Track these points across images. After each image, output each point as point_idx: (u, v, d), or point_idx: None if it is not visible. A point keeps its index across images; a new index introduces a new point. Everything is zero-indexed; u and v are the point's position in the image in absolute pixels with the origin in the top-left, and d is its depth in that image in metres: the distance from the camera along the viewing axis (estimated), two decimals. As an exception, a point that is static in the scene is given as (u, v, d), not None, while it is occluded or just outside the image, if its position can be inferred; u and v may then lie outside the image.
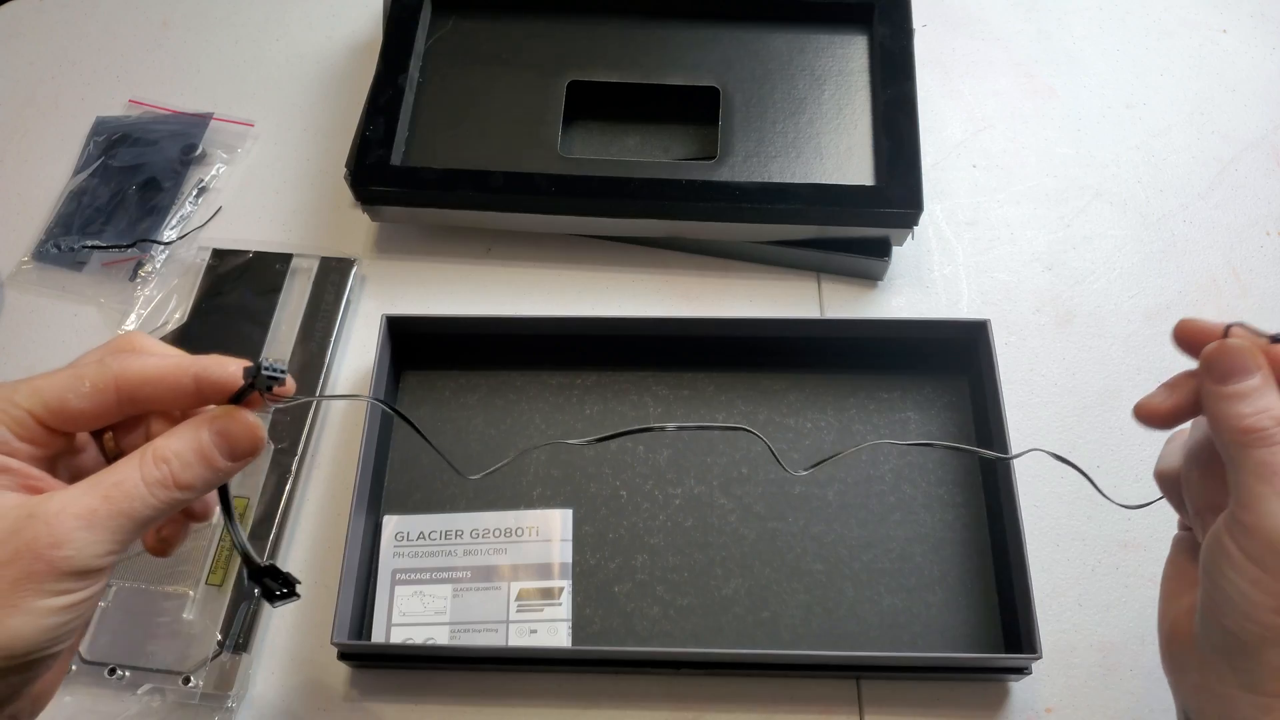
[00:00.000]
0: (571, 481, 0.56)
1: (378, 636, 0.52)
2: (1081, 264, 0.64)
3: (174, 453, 0.33)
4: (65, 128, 0.71)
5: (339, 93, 0.72)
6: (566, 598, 0.52)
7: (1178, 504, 0.39)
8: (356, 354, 0.61)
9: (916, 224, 0.59)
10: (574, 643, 0.51)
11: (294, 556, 0.55)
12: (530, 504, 0.55)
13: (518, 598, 0.52)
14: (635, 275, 0.64)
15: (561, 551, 0.53)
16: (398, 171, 0.60)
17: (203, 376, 0.34)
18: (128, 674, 0.50)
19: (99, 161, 0.68)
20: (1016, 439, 0.54)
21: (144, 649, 0.51)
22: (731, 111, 0.63)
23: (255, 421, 0.34)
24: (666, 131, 0.66)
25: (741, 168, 0.61)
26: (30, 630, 0.30)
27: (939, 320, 0.60)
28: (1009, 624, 0.51)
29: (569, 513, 0.55)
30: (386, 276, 0.64)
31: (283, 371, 0.33)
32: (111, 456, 0.37)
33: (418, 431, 0.39)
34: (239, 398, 0.34)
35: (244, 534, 0.37)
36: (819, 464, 0.45)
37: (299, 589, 0.39)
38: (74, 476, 0.34)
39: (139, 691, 0.50)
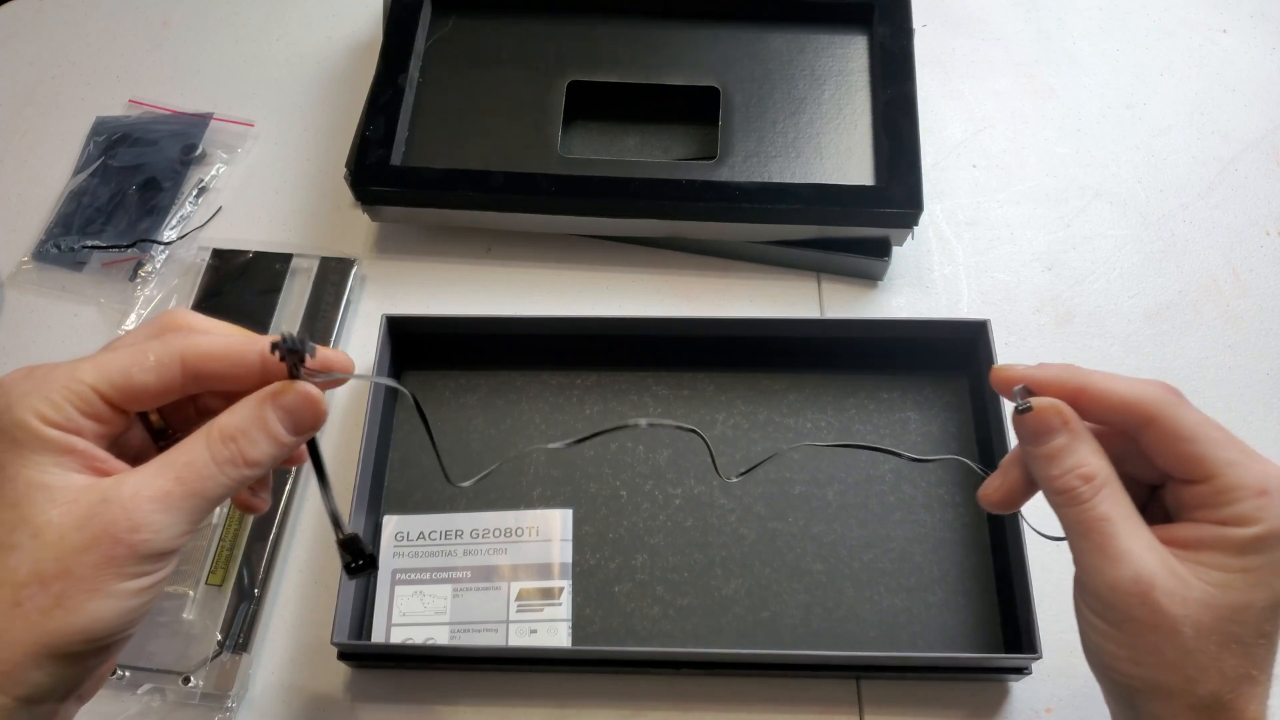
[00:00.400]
0: (571, 481, 0.56)
1: (378, 636, 0.52)
2: (1081, 264, 0.64)
3: (240, 430, 0.33)
4: (65, 128, 0.71)
5: (339, 93, 0.72)
6: (566, 598, 0.52)
7: None
8: (357, 354, 0.61)
9: (916, 224, 0.59)
10: (574, 643, 0.51)
11: (294, 556, 0.55)
12: (530, 504, 0.55)
13: (518, 598, 0.52)
14: (635, 275, 0.64)
15: (561, 551, 0.53)
16: (398, 171, 0.60)
17: (269, 355, 0.34)
18: (128, 674, 0.50)
19: (99, 161, 0.68)
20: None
21: (144, 649, 0.51)
22: (731, 111, 0.63)
23: (318, 395, 0.34)
24: (666, 131, 0.66)
25: (741, 168, 0.61)
26: (111, 613, 0.31)
27: (939, 320, 0.60)
28: (1009, 624, 0.51)
29: (569, 513, 0.55)
30: (386, 276, 0.64)
31: (301, 343, 0.33)
32: (157, 432, 0.37)
33: (428, 432, 0.39)
34: (293, 373, 0.34)
35: (335, 500, 0.37)
36: (750, 470, 0.46)
37: (378, 560, 0.39)
38: (122, 454, 0.34)
39: (139, 691, 0.50)
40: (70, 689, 0.32)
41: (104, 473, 0.32)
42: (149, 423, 0.37)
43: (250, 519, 0.54)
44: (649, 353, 0.58)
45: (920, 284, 0.63)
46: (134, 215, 0.66)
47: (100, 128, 0.70)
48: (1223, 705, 0.32)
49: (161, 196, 0.67)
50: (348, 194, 0.63)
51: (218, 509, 0.54)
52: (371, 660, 0.51)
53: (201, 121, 0.70)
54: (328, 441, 0.58)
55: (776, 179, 0.60)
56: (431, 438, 0.40)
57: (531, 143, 0.62)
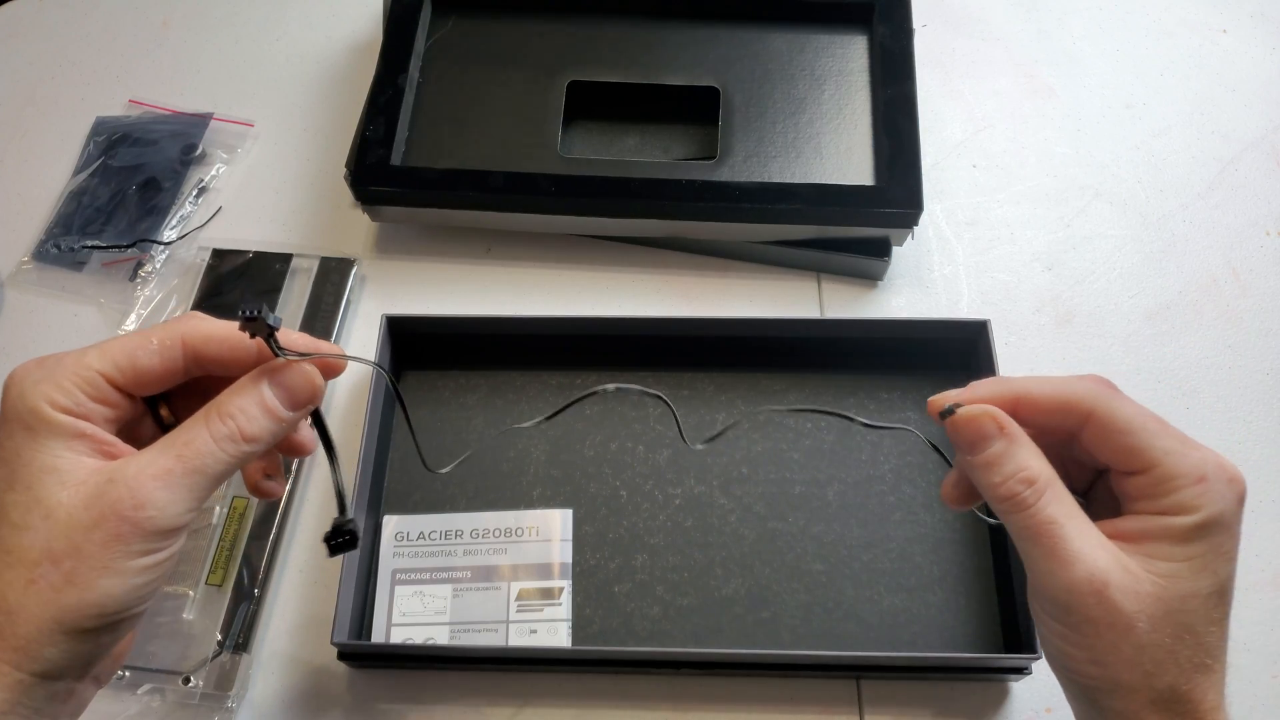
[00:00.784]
0: (571, 481, 0.56)
1: (378, 636, 0.52)
2: (1081, 264, 0.64)
3: (238, 408, 0.34)
4: (65, 128, 0.71)
5: (339, 93, 0.72)
6: (566, 598, 0.52)
7: None
8: (356, 353, 0.61)
9: (916, 224, 0.59)
10: (574, 643, 0.51)
11: (294, 556, 0.55)
12: (530, 504, 0.55)
13: (518, 598, 0.52)
14: (635, 275, 0.64)
15: (561, 551, 0.53)
16: (398, 171, 0.60)
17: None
18: (128, 674, 0.50)
19: (99, 161, 0.68)
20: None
21: (144, 649, 0.51)
22: (731, 111, 0.63)
23: (312, 371, 0.35)
24: (666, 131, 0.66)
25: (741, 168, 0.61)
26: (121, 589, 0.32)
27: (939, 320, 0.60)
28: (1009, 624, 0.51)
29: (569, 513, 0.55)
30: (386, 276, 0.64)
31: (258, 309, 0.33)
32: (168, 428, 0.38)
33: (404, 413, 0.39)
34: (271, 346, 0.35)
35: (343, 475, 0.39)
36: (715, 438, 0.45)
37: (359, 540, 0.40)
38: (136, 447, 0.35)
39: (139, 691, 0.50)
40: (85, 666, 0.33)
41: (113, 456, 0.33)
42: (160, 419, 0.38)
43: (250, 519, 0.54)
44: (649, 353, 0.58)
45: (920, 284, 0.63)
46: (134, 215, 0.66)
47: (100, 128, 0.70)
48: (1180, 696, 0.33)
49: (161, 196, 0.67)
50: (348, 194, 0.63)
51: (218, 508, 0.54)
52: (371, 660, 0.51)
53: (201, 121, 0.70)
54: (328, 441, 0.58)
55: (776, 179, 0.60)
56: (408, 420, 0.40)
57: (531, 143, 0.62)
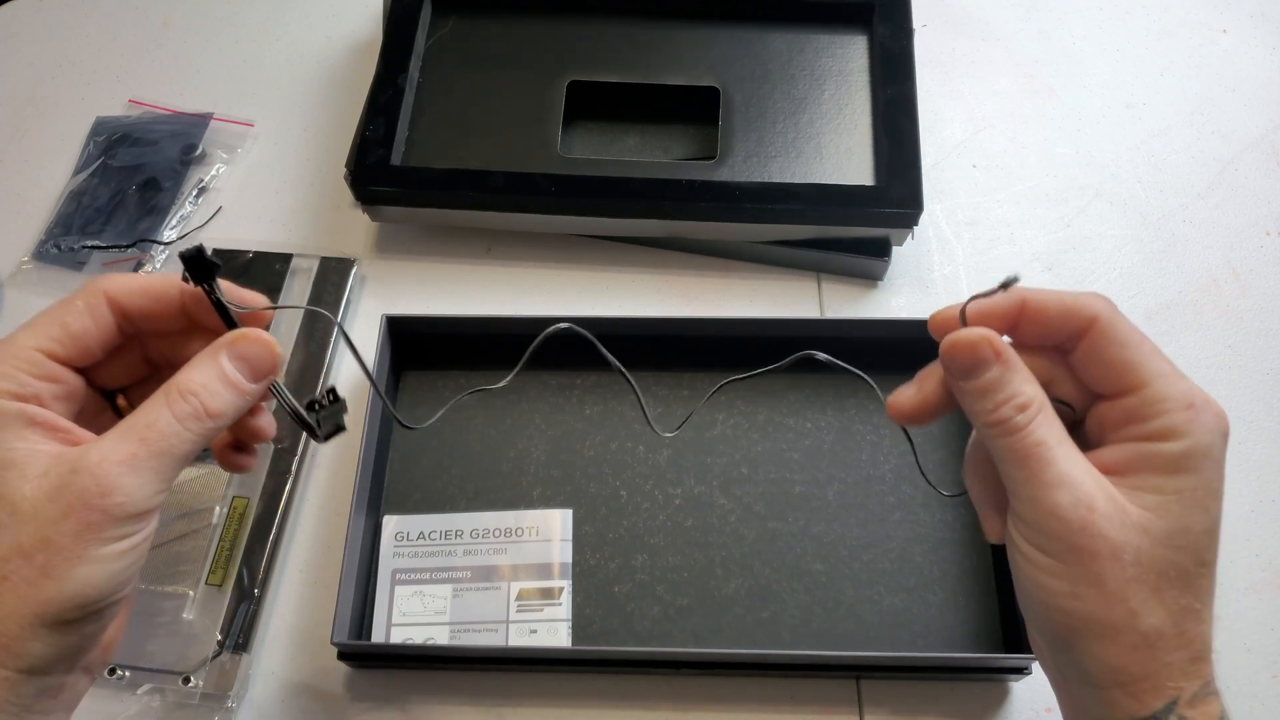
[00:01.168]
0: (571, 481, 0.56)
1: (378, 636, 0.52)
2: (1081, 264, 0.64)
3: (199, 384, 0.33)
4: (65, 128, 0.71)
5: (339, 93, 0.72)
6: (566, 598, 0.52)
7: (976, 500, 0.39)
8: (357, 353, 0.61)
9: (916, 224, 0.59)
10: (574, 643, 0.51)
11: (294, 556, 0.55)
12: (530, 504, 0.55)
13: (518, 598, 0.52)
14: (635, 275, 0.64)
15: (561, 551, 0.53)
16: (398, 171, 0.60)
17: (185, 284, 0.34)
18: (128, 674, 0.50)
19: (99, 161, 0.68)
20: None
21: (144, 649, 0.51)
22: (731, 111, 0.63)
23: (269, 339, 0.35)
24: (666, 131, 0.66)
25: (741, 168, 0.61)
26: (99, 577, 0.31)
27: (939, 320, 0.60)
28: (1009, 624, 0.51)
29: (569, 513, 0.55)
30: (386, 276, 0.64)
31: (198, 251, 0.32)
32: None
33: (361, 364, 0.38)
34: (210, 295, 0.34)
35: (296, 401, 0.38)
36: (683, 424, 0.45)
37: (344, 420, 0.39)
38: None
39: (139, 691, 0.50)
40: (72, 658, 0.33)
41: (72, 442, 0.32)
42: (119, 410, 0.37)
43: (250, 519, 0.54)
44: (649, 353, 0.58)
45: (920, 284, 0.63)
46: (134, 215, 0.66)
47: (100, 128, 0.70)
48: (1167, 641, 0.31)
49: (161, 196, 0.67)
50: (348, 194, 0.63)
51: (218, 508, 0.54)
52: (371, 660, 0.51)
53: (201, 121, 0.70)
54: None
55: (776, 179, 0.60)
56: (366, 371, 0.38)
57: (531, 143, 0.62)
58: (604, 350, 0.40)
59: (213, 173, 0.68)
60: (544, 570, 0.53)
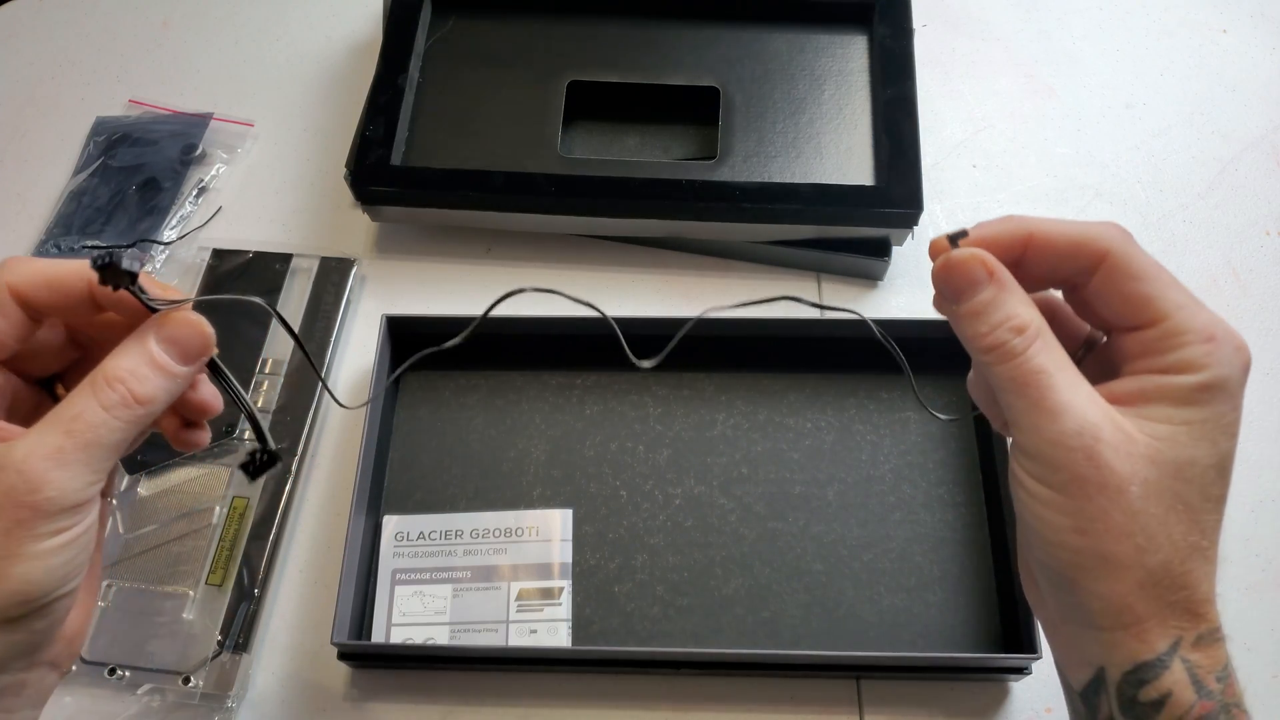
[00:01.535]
0: (571, 481, 0.56)
1: (378, 636, 0.52)
2: (1081, 264, 0.64)
3: (126, 371, 0.32)
4: (65, 128, 0.71)
5: (339, 93, 0.72)
6: (566, 598, 0.52)
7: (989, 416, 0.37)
8: (356, 354, 0.61)
9: (916, 224, 0.59)
10: (574, 643, 0.51)
11: (294, 556, 0.55)
12: (530, 504, 0.55)
13: (518, 598, 0.52)
14: (635, 275, 0.64)
15: (561, 551, 0.53)
16: (398, 171, 0.60)
17: (94, 280, 0.32)
18: (128, 674, 0.50)
19: (99, 161, 0.68)
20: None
21: (144, 649, 0.51)
22: (731, 111, 0.63)
23: (198, 319, 0.33)
24: (666, 131, 0.66)
25: (741, 168, 0.61)
26: (38, 572, 0.30)
27: (939, 320, 0.59)
28: (1009, 624, 0.51)
29: (569, 513, 0.55)
30: (386, 276, 0.64)
31: (107, 259, 0.31)
32: None
33: (292, 334, 0.38)
34: (135, 294, 0.33)
35: (258, 417, 0.37)
36: (663, 355, 0.44)
37: (280, 458, 0.38)
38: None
39: (139, 691, 0.50)
40: (27, 655, 0.32)
41: (1, 439, 0.32)
42: (56, 396, 0.36)
43: (250, 519, 0.54)
44: (649, 353, 0.58)
45: (920, 284, 0.63)
46: (134, 215, 0.66)
47: (100, 128, 0.70)
48: (1174, 579, 0.30)
49: (161, 196, 0.67)
50: (348, 194, 0.63)
51: (218, 508, 0.54)
52: (371, 660, 0.51)
53: (201, 121, 0.70)
54: (327, 441, 0.58)
55: (776, 179, 0.60)
56: (296, 338, 0.38)
57: (531, 143, 0.62)
58: (572, 298, 0.39)
59: (213, 173, 0.68)
60: (544, 570, 0.53)
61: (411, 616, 0.52)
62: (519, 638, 0.51)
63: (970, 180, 0.67)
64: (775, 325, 0.58)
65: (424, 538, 0.54)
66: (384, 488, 0.56)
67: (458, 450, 0.57)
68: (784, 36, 0.65)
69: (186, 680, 0.50)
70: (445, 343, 0.40)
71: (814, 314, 0.62)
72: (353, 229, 0.66)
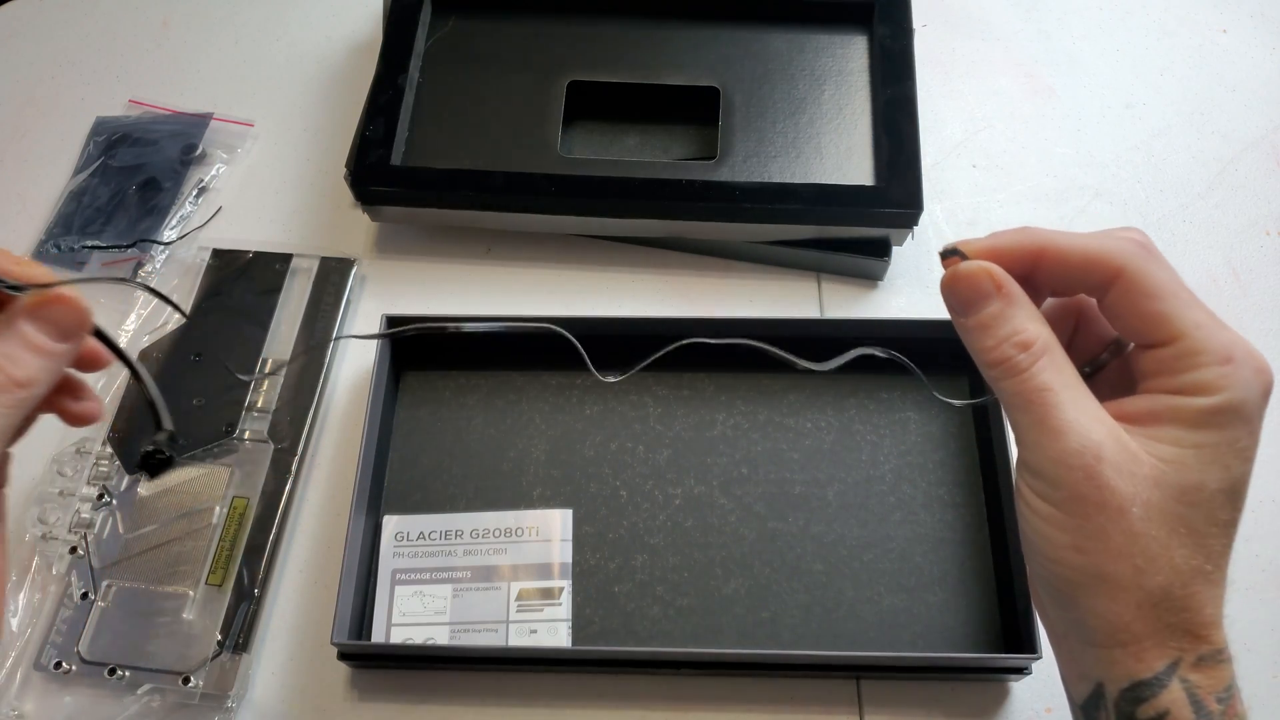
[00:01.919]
0: (571, 481, 0.56)
1: (378, 636, 0.51)
2: (1081, 264, 0.64)
3: (2, 355, 0.31)
4: (65, 128, 0.71)
5: (339, 93, 0.72)
6: (566, 598, 0.52)
7: None
8: (357, 354, 0.61)
9: (916, 224, 0.59)
10: (574, 643, 0.51)
11: (294, 556, 0.55)
12: (530, 504, 0.55)
13: (518, 598, 0.52)
14: (635, 275, 0.64)
15: (561, 551, 0.53)
16: (398, 171, 0.60)
17: None
18: (128, 674, 0.50)
19: (99, 161, 0.68)
20: (1016, 439, 0.54)
21: (144, 649, 0.51)
22: (731, 111, 0.63)
23: (70, 295, 0.33)
24: (666, 131, 0.66)
25: (741, 168, 0.61)
26: None
27: (939, 320, 0.60)
28: (1009, 624, 0.51)
29: (569, 513, 0.55)
30: (386, 276, 0.64)
31: None
32: None
33: (112, 347, 0.37)
34: (7, 286, 0.32)
35: (151, 387, 0.36)
36: (631, 372, 0.45)
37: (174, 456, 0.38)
38: None
39: (139, 691, 0.50)
40: None
41: None
42: None
43: (250, 519, 0.54)
44: (649, 353, 0.58)
45: (920, 284, 0.63)
46: (134, 215, 0.66)
47: (100, 128, 0.70)
48: (1174, 602, 0.30)
49: (161, 196, 0.67)
50: (348, 194, 0.63)
51: (218, 508, 0.54)
52: (371, 660, 0.51)
53: (201, 121, 0.70)
54: (327, 439, 0.58)
55: (776, 179, 0.60)
56: (127, 361, 0.37)
57: (531, 143, 0.62)
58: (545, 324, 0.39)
59: (213, 173, 0.68)
60: (544, 570, 0.53)
61: (411, 616, 0.52)
62: (519, 638, 0.51)
63: (970, 180, 0.67)
64: (775, 325, 0.58)
65: (424, 538, 0.54)
66: (384, 488, 0.56)
67: (458, 450, 0.57)
68: (784, 36, 0.65)
69: (186, 680, 0.50)
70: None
71: (814, 313, 0.62)
72: (353, 229, 0.66)
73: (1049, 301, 0.35)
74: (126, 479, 0.55)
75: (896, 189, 0.58)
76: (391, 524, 0.54)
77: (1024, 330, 0.31)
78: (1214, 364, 0.30)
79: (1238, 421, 0.30)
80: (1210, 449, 0.30)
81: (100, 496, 0.55)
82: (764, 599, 0.52)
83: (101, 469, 0.56)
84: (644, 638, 0.52)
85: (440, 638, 0.51)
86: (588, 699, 0.51)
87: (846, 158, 0.61)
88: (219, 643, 0.51)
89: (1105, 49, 0.73)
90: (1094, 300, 0.34)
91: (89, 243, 0.65)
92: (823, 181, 0.60)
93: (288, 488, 0.55)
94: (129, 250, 0.64)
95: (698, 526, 0.54)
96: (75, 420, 0.37)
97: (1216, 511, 0.30)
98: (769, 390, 0.58)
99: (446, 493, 0.56)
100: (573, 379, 0.59)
